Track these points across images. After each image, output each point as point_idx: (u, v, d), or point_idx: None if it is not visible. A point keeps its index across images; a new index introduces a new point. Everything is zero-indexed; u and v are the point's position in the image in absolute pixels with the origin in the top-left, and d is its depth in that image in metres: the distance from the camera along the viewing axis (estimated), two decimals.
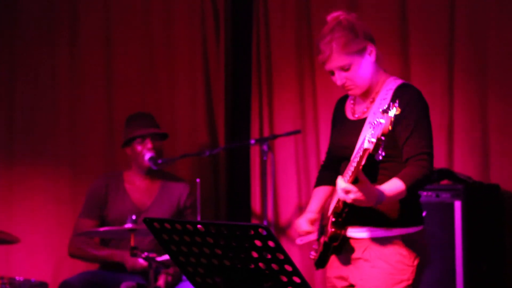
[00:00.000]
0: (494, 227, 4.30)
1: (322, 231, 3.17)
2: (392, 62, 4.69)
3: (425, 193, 4.21)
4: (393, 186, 2.91)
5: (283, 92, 5.18)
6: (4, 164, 5.26)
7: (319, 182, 3.36)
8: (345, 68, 3.06)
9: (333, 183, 3.16)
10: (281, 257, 2.60)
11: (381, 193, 2.87)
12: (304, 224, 3.22)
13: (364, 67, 3.07)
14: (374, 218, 3.04)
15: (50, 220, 5.22)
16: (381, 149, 2.65)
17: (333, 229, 3.04)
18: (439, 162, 4.52)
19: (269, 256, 2.61)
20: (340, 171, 3.12)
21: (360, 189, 2.81)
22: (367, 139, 2.68)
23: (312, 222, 3.22)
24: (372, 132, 2.66)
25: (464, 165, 4.50)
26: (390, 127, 2.62)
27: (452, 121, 4.57)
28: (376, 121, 2.65)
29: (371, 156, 2.72)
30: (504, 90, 4.45)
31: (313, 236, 3.26)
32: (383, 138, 2.63)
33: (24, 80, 5.31)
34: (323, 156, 4.97)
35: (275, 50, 5.21)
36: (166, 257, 4.07)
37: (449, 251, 4.10)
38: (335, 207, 3.03)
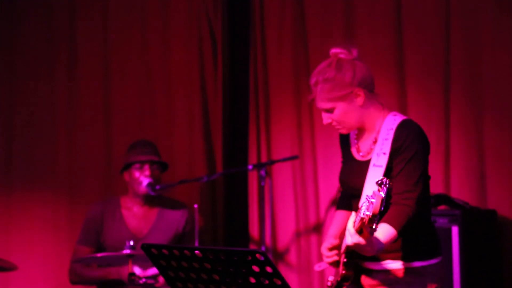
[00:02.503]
0: (491, 252, 4.30)
1: (337, 264, 3.17)
2: (389, 90, 4.71)
3: None
4: (387, 233, 2.92)
5: (281, 117, 5.20)
6: (2, 191, 5.26)
7: (341, 205, 3.35)
8: (329, 111, 3.11)
9: (352, 208, 3.20)
10: (279, 282, 2.60)
11: (380, 246, 2.89)
12: (326, 250, 3.20)
13: (348, 111, 3.10)
14: (392, 255, 3.06)
15: (48, 248, 5.21)
16: (375, 223, 2.68)
17: (343, 272, 3.07)
18: (436, 187, 4.53)
19: (266, 282, 2.61)
20: (352, 204, 3.18)
21: (360, 242, 2.82)
22: (362, 211, 2.70)
23: (333, 248, 3.19)
24: (367, 204, 2.68)
25: (461, 190, 4.50)
26: (380, 208, 2.64)
27: (448, 147, 4.58)
28: (369, 199, 2.67)
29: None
30: (500, 116, 4.46)
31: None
32: (375, 218, 2.67)
33: (23, 109, 5.32)
34: (320, 182, 5.01)
35: (273, 75, 5.24)
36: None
37: (447, 277, 4.09)
38: (348, 247, 3.02)
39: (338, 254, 3.16)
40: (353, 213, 2.91)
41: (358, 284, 3.15)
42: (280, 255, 5.13)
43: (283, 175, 5.15)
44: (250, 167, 4.85)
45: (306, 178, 5.09)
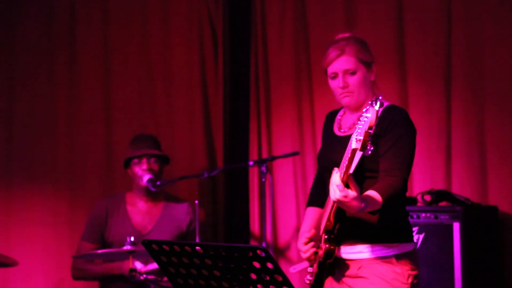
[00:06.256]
0: (492, 248, 4.30)
1: (315, 255, 3.19)
2: (390, 85, 4.70)
3: (423, 214, 4.21)
4: (372, 196, 2.95)
5: (282, 113, 5.20)
6: (2, 186, 5.25)
7: (311, 201, 3.40)
8: (351, 72, 3.13)
9: (323, 205, 3.21)
10: (280, 279, 2.59)
11: (365, 203, 2.90)
12: (303, 245, 3.24)
13: (365, 79, 3.15)
14: (366, 234, 3.09)
15: (49, 243, 5.20)
16: (369, 144, 2.64)
17: (327, 245, 3.08)
18: (437, 183, 4.53)
19: (267, 278, 2.61)
20: (327, 186, 3.16)
21: (350, 193, 2.83)
22: (353, 138, 2.69)
23: (309, 241, 3.23)
24: (359, 130, 2.67)
25: (462, 186, 4.50)
26: (376, 120, 2.62)
27: (450, 143, 4.58)
28: (362, 119, 2.66)
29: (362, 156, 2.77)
30: (501, 111, 4.46)
31: (307, 263, 3.29)
32: (370, 131, 2.63)
33: (23, 102, 5.31)
34: None
35: (273, 72, 5.23)
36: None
37: (448, 273, 4.09)
38: (326, 225, 3.08)
39: (315, 246, 3.19)
40: (336, 169, 2.88)
41: (334, 276, 3.17)
42: (281, 251, 5.13)
43: (284, 171, 5.14)
44: (251, 163, 4.84)
45: (307, 174, 5.08)
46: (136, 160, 4.55)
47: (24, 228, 5.21)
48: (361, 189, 2.94)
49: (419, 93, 4.68)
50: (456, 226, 4.13)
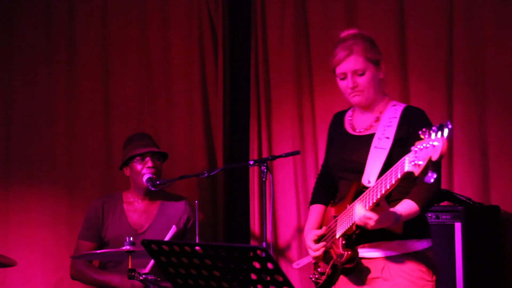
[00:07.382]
0: (494, 248, 4.28)
1: (325, 254, 3.16)
2: (391, 84, 4.68)
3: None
4: (407, 208, 2.97)
5: (282, 113, 5.18)
6: (0, 186, 5.24)
7: (316, 199, 3.39)
8: (359, 73, 3.10)
9: (328, 202, 3.21)
10: (280, 279, 2.58)
11: (398, 217, 2.93)
12: (313, 243, 3.23)
13: (375, 78, 3.13)
14: (384, 233, 3.06)
15: (48, 243, 5.20)
16: (430, 171, 2.57)
17: (349, 252, 3.06)
18: None
19: (268, 278, 2.59)
20: (339, 184, 3.19)
21: (380, 216, 2.87)
22: (407, 161, 2.66)
23: (318, 240, 3.22)
24: (416, 155, 2.62)
25: (464, 186, 4.49)
26: (445, 152, 2.56)
27: (451, 143, 4.56)
28: (423, 145, 2.59)
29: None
30: (503, 111, 4.46)
31: (310, 259, 3.26)
32: (439, 160, 2.56)
33: (21, 102, 5.31)
34: None
35: (274, 71, 5.21)
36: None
37: (450, 273, 4.08)
38: (347, 230, 3.05)
39: (326, 246, 3.17)
40: (358, 202, 2.92)
41: (349, 277, 3.16)
42: (281, 251, 5.11)
43: (284, 170, 5.12)
44: (251, 162, 4.81)
45: (307, 174, 5.07)
46: (139, 158, 4.53)
47: (22, 228, 5.20)
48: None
49: (420, 93, 4.67)
50: (458, 226, 4.12)
